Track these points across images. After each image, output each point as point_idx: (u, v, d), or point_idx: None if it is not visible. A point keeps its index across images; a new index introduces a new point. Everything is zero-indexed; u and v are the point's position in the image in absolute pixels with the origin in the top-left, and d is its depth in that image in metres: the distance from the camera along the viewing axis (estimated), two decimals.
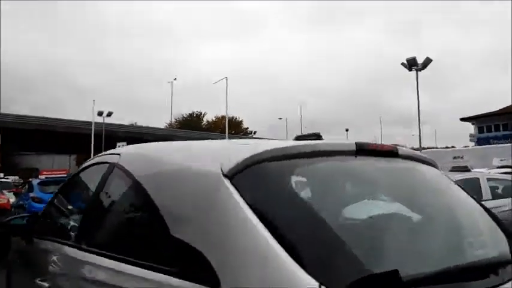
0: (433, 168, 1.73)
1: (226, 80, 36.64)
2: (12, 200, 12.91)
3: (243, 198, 1.14)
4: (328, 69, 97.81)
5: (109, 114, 34.75)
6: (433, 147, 41.12)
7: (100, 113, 34.47)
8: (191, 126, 53.50)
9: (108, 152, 2.04)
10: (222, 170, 1.21)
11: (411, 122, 47.06)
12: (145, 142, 2.25)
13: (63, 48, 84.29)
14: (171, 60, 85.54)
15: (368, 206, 1.37)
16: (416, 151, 1.94)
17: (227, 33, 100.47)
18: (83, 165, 2.22)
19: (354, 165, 1.49)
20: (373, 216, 1.32)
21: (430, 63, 21.16)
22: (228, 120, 62.38)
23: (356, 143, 1.45)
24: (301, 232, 1.09)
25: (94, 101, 34.09)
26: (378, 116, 61.64)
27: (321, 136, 2.36)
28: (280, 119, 47.13)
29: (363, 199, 1.43)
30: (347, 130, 51.65)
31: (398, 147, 1.64)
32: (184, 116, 60.55)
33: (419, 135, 22.68)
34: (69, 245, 1.79)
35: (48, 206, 2.40)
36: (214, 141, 1.89)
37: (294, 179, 1.35)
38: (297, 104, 57.64)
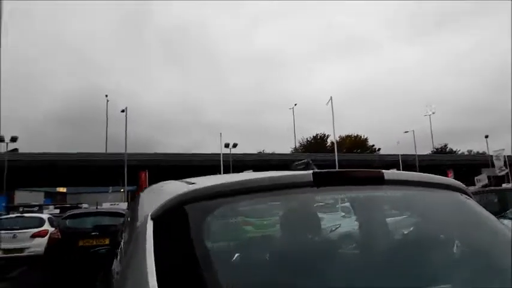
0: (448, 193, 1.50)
1: (331, 99, 37.36)
2: None
3: (153, 239, 1.22)
4: (457, 75, 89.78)
5: (234, 145, 38.35)
6: None
7: (227, 145, 38.04)
8: (316, 149, 54.31)
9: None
10: (150, 214, 1.31)
11: None
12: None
13: (195, 88, 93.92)
14: (289, 88, 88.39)
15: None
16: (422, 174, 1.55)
17: (341, 54, 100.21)
18: None
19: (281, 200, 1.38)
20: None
21: None
22: (353, 139, 62.61)
23: (314, 172, 1.30)
24: (180, 274, 1.13)
25: (221, 134, 37.60)
26: None
27: (310, 164, 2.24)
28: (406, 132, 44.43)
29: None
30: (487, 137, 46.50)
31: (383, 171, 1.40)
32: (308, 139, 62.00)
33: None
34: None
35: None
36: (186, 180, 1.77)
37: (204, 219, 1.29)
38: (423, 115, 53.89)
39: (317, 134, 63.06)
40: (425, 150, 53.73)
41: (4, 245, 10.96)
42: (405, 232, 1.55)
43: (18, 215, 15.04)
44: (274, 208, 1.42)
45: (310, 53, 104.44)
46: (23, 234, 11.28)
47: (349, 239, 1.45)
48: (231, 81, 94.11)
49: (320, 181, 1.30)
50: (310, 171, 1.31)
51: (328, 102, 38.34)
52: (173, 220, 1.28)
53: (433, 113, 53.29)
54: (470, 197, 1.56)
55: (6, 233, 11.31)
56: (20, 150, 37.45)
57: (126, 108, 35.61)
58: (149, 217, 1.31)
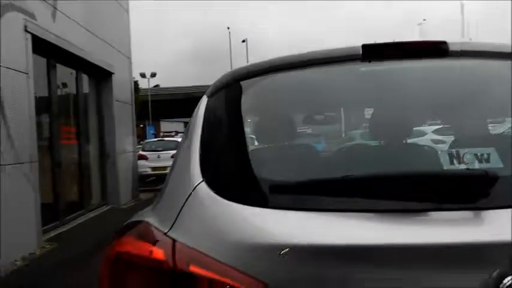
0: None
1: None
2: None
3: (204, 109, 1.25)
4: None
5: None
6: None
7: None
8: None
9: None
10: (206, 93, 1.34)
11: None
12: None
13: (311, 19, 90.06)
14: None
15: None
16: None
17: None
18: None
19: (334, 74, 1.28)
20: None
21: None
22: None
23: (363, 45, 1.16)
24: (218, 141, 1.17)
25: None
26: None
27: None
28: None
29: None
30: None
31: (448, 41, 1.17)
32: None
33: None
34: None
35: None
36: None
37: (255, 94, 1.30)
38: None
39: None
40: None
41: (152, 164, 13.23)
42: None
43: (160, 139, 17.53)
44: (324, 81, 1.34)
45: None
46: (165, 154, 13.34)
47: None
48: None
49: (370, 54, 1.18)
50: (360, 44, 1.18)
51: None
52: (227, 96, 1.27)
53: None
54: None
55: (153, 154, 13.63)
56: (161, 86, 42.15)
57: (246, 39, 36.80)
58: (205, 96, 1.33)
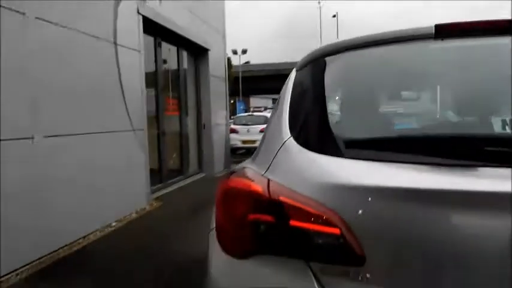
0: None
1: None
2: None
3: (293, 81, 1.51)
4: None
5: None
6: None
7: None
8: None
9: None
10: (295, 67, 1.58)
11: None
12: None
13: None
14: None
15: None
16: None
17: None
18: None
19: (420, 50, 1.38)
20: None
21: None
22: None
23: (436, 25, 1.29)
24: (304, 107, 1.37)
25: None
26: None
27: None
28: None
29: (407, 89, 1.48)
30: None
31: None
32: None
33: None
34: None
35: None
36: None
37: (336, 69, 1.44)
38: None
39: None
40: None
41: (242, 137, 13.90)
42: None
43: (249, 113, 18.20)
44: (402, 62, 1.47)
45: None
46: (254, 129, 13.91)
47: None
48: None
49: (443, 33, 1.31)
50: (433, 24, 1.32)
51: None
52: (314, 69, 1.46)
53: None
54: None
55: (243, 127, 14.29)
56: (251, 62, 43.08)
57: (336, 13, 35.81)
58: (294, 69, 1.56)
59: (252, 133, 13.88)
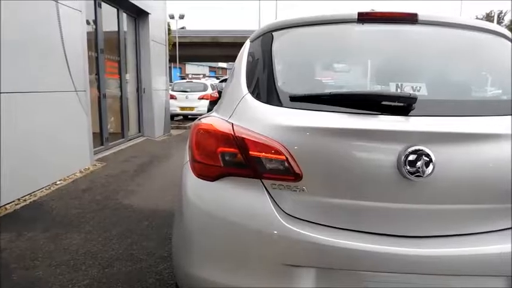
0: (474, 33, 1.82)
1: None
2: None
3: (248, 50, 1.93)
4: None
5: None
6: None
7: None
8: None
9: None
10: (249, 39, 2.03)
11: None
12: None
13: None
14: None
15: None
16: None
17: None
18: None
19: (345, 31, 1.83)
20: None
21: None
22: None
23: (358, 12, 1.76)
24: (257, 70, 1.77)
25: None
26: None
27: None
28: None
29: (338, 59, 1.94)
30: None
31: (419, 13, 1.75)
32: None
33: None
34: None
35: None
36: None
37: (282, 40, 1.85)
38: None
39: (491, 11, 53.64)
40: None
41: (180, 103, 13.96)
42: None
43: (188, 80, 18.16)
44: (332, 38, 1.90)
45: None
46: (192, 95, 14.02)
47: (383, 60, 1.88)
48: None
49: (363, 19, 1.78)
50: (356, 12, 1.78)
51: None
52: (264, 41, 1.88)
53: None
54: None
55: (181, 94, 14.30)
56: (187, 29, 42.00)
57: None
58: (248, 40, 2.04)
59: (190, 100, 13.98)
